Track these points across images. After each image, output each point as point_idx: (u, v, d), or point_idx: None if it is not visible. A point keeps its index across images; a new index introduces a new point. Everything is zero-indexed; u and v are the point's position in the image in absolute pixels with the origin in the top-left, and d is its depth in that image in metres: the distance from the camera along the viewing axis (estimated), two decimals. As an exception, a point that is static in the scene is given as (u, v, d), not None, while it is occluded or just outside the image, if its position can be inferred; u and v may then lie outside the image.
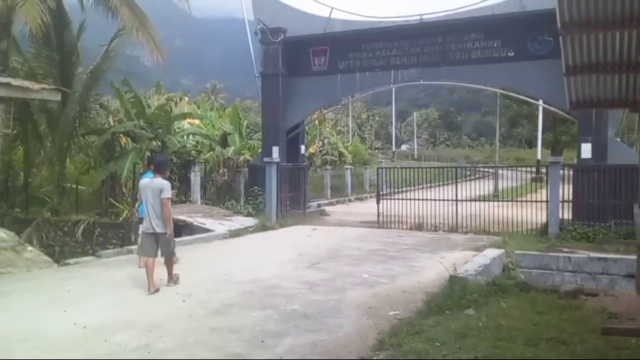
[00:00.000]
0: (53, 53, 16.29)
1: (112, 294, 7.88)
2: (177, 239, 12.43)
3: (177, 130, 20.76)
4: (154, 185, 8.12)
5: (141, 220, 9.18)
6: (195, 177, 19.03)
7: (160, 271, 8.26)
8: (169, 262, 8.38)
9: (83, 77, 17.07)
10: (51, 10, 14.53)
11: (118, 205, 16.68)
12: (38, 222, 15.49)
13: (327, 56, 17.12)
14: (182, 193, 19.04)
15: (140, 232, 9.23)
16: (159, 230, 8.05)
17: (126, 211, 16.12)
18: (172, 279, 8.37)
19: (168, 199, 8.06)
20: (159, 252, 8.25)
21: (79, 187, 17.91)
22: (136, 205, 10.62)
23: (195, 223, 15.16)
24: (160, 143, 18.79)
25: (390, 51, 16.37)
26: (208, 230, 14.43)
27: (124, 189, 17.70)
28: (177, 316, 6.75)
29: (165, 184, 8.14)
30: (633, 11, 5.65)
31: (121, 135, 18.84)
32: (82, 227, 15.43)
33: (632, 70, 6.73)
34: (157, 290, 7.88)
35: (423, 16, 16.03)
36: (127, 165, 16.94)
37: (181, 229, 15.24)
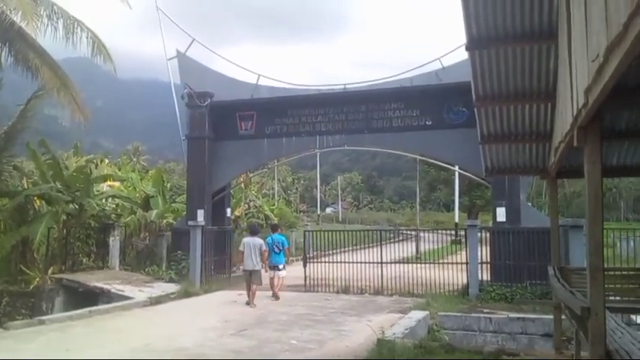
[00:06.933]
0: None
1: (19, 370, 7.29)
2: (92, 308, 11.89)
3: (96, 193, 20.00)
4: (254, 242, 13.21)
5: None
6: (115, 241, 18.14)
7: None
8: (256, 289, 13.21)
9: (-4, 138, 16.27)
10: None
11: (28, 272, 15.64)
12: (-64, 292, 14.26)
13: (254, 121, 17.33)
14: (99, 259, 18.10)
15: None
16: (253, 269, 12.96)
17: (37, 279, 15.13)
18: (253, 300, 12.99)
19: (265, 250, 13.36)
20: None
21: (-14, 253, 16.67)
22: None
23: (112, 290, 14.43)
24: (77, 206, 18.00)
25: (315, 117, 16.82)
26: (127, 298, 13.73)
27: (35, 255, 16.66)
28: (93, 391, 6.32)
29: (262, 241, 13.41)
30: (540, 87, 6.23)
31: (35, 198, 17.90)
32: (-14, 297, 14.33)
33: (542, 139, 7.30)
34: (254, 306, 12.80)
35: (347, 86, 16.76)
36: (41, 229, 16.08)
37: (97, 296, 14.44)
